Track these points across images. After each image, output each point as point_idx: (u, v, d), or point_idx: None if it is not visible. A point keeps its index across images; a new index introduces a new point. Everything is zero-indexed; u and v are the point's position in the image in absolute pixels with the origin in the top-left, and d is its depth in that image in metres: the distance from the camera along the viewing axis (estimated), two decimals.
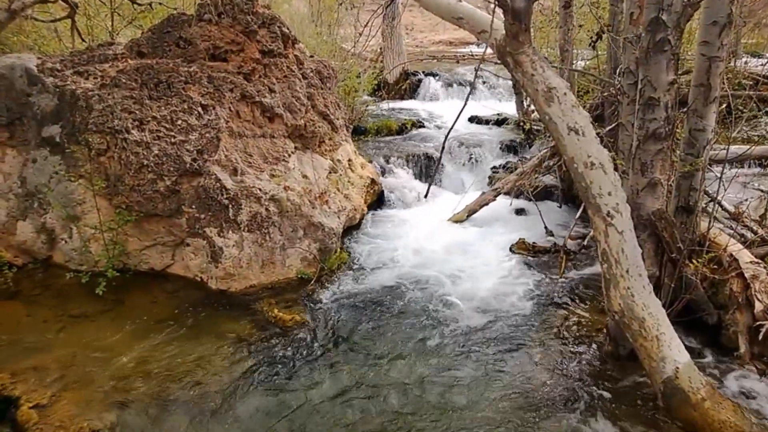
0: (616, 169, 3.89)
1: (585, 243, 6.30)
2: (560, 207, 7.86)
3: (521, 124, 9.83)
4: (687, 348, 3.86)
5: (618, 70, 5.96)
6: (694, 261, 4.45)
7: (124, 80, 5.44)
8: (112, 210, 5.42)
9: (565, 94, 3.74)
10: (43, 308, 4.98)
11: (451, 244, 6.70)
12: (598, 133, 3.96)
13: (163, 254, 5.69)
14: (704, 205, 4.97)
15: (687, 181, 4.56)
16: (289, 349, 4.59)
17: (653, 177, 4.24)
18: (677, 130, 4.87)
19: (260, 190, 5.63)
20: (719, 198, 5.31)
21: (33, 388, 3.91)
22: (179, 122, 5.47)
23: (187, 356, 4.40)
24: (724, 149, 5.25)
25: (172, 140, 5.39)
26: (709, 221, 4.89)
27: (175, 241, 5.63)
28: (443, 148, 8.25)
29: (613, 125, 6.20)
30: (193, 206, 5.41)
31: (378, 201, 7.88)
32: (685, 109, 4.54)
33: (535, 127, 9.45)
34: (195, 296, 5.30)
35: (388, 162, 8.65)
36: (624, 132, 5.13)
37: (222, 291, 5.41)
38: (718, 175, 4.83)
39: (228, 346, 4.57)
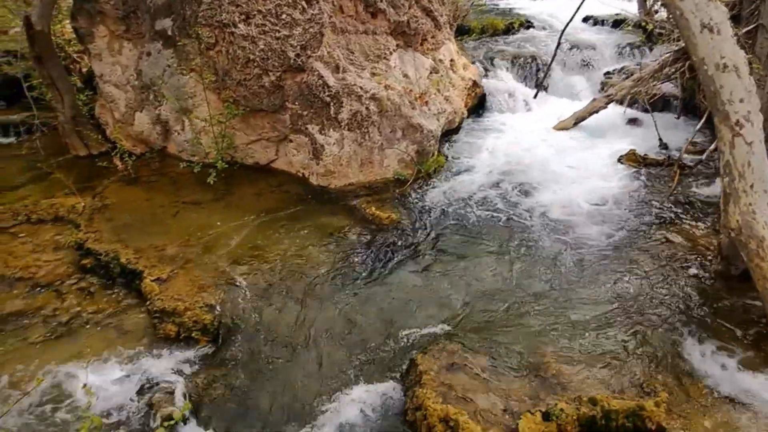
0: (751, 73, 3.49)
1: (704, 158, 5.83)
2: (678, 118, 7.27)
3: (642, 25, 8.96)
4: None
5: None
6: None
7: None
8: (221, 104, 5.62)
9: None
10: (160, 194, 5.39)
11: (554, 152, 6.43)
12: (734, 34, 3.53)
13: (267, 149, 5.89)
14: None
15: None
16: (383, 244, 4.71)
17: None
18: None
19: (361, 88, 5.59)
20: None
21: (153, 263, 4.32)
22: (284, 16, 5.44)
23: (289, 245, 4.65)
24: None
25: (277, 35, 5.40)
26: None
27: (279, 136, 5.79)
28: (556, 49, 7.87)
29: (752, 26, 5.52)
30: (296, 102, 5.49)
31: (479, 105, 7.61)
32: None
33: (658, 30, 8.59)
34: (297, 191, 5.52)
35: (492, 64, 8.25)
36: (764, 34, 4.57)
37: (322, 187, 5.58)
38: None
39: (327, 238, 4.77)
